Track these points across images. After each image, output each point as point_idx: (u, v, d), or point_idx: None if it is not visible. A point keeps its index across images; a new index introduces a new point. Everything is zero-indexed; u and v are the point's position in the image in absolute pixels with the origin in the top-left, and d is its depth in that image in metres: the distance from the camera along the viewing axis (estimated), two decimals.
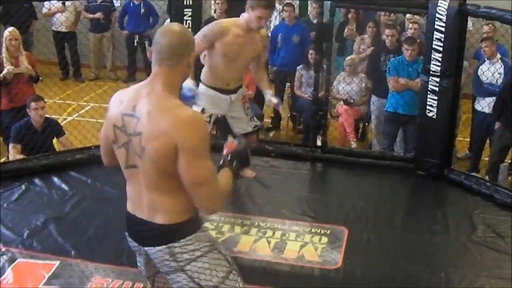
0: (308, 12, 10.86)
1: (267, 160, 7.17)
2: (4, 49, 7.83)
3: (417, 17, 8.86)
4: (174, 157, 3.00)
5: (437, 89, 6.53)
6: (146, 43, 11.40)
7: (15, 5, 10.78)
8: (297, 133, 9.86)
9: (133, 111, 3.08)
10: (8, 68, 7.69)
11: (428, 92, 6.61)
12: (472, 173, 7.40)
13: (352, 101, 8.84)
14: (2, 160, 7.63)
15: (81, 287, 4.76)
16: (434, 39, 6.42)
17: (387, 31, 8.67)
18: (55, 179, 6.53)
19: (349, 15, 10.55)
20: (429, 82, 6.58)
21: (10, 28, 8.06)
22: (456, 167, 7.29)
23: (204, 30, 5.53)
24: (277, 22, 10.49)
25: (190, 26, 7.13)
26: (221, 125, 6.79)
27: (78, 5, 12.14)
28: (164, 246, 3.18)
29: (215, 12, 9.64)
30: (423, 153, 6.88)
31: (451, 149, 6.98)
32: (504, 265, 5.20)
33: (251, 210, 6.03)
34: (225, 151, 3.55)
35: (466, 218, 6.00)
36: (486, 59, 8.07)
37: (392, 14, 10.04)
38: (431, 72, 6.54)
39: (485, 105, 7.94)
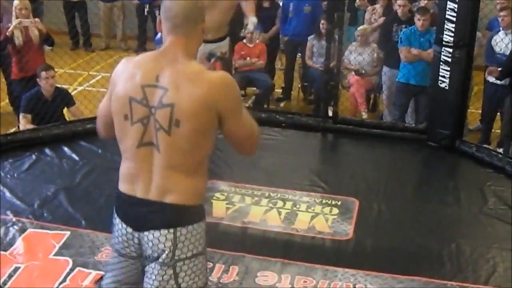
0: None
1: (278, 131, 7.13)
2: (14, 18, 7.79)
3: None
4: (215, 121, 2.91)
5: (449, 59, 6.48)
6: (157, 12, 11.31)
7: None
8: (308, 103, 9.82)
9: (156, 82, 2.90)
10: (16, 22, 7.68)
11: (441, 63, 6.55)
12: (484, 145, 7.36)
13: (363, 72, 8.78)
14: (13, 130, 7.63)
15: (91, 257, 4.75)
16: (447, 9, 6.35)
17: (399, 1, 8.57)
18: (66, 149, 6.53)
19: None
20: (442, 53, 6.52)
21: None
22: (468, 139, 7.25)
23: None
24: None
25: None
26: None
27: None
28: (169, 230, 2.93)
29: None
30: (435, 124, 6.84)
31: (463, 120, 6.94)
32: None
33: (262, 181, 6.00)
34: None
35: (477, 190, 5.98)
36: (501, 29, 7.97)
37: None
38: (444, 43, 6.48)
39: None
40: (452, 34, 6.39)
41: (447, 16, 6.37)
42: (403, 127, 7.35)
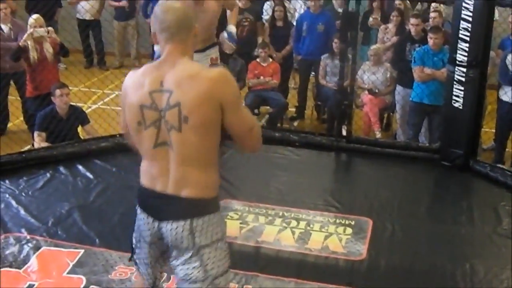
0: (333, 1, 10.80)
1: (291, 150, 7.14)
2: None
3: (440, 5, 8.80)
4: (219, 112, 3.11)
5: (463, 79, 6.48)
6: None
7: None
8: (321, 122, 9.81)
9: (161, 87, 3.13)
10: (30, 31, 7.77)
11: (454, 82, 6.55)
12: (498, 165, 7.33)
13: (377, 91, 8.79)
14: (27, 147, 7.66)
15: (105, 276, 4.77)
16: (460, 28, 6.36)
17: (413, 20, 8.59)
18: (80, 167, 6.55)
19: (374, 4, 10.48)
20: (455, 72, 6.52)
21: (35, 16, 8.12)
22: (482, 158, 7.23)
23: None
24: (302, 11, 10.46)
25: None
26: None
27: None
28: (186, 221, 3.16)
29: None
30: (448, 143, 6.83)
31: (477, 140, 6.93)
32: None
33: (276, 200, 6.01)
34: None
35: (491, 210, 5.96)
36: None
37: (418, 4, 9.97)
38: (457, 62, 6.48)
39: (511, 95, 7.86)
40: (466, 54, 6.39)
41: (460, 36, 6.37)
42: (417, 147, 7.35)
